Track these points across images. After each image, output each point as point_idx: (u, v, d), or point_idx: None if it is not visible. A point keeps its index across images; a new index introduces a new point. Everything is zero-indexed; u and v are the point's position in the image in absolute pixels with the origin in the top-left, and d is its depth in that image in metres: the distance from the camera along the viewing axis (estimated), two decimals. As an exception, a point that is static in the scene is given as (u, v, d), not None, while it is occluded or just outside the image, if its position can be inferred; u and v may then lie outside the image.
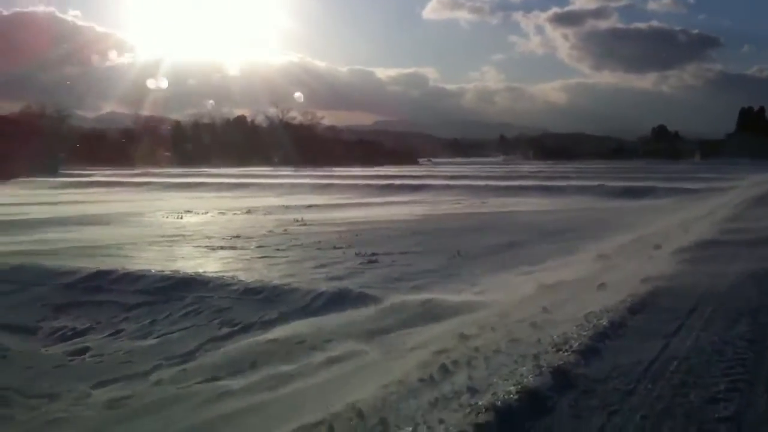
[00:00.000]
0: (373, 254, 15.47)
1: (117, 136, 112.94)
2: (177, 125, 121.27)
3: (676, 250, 11.54)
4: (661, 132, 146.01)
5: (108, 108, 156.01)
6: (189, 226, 22.56)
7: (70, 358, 8.93)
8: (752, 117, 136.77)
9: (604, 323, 6.60)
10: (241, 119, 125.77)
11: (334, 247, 16.91)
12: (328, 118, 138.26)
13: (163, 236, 19.37)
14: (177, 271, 12.76)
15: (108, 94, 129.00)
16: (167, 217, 25.75)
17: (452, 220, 24.13)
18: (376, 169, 78.39)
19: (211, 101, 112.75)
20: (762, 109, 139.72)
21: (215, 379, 7.62)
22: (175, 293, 11.37)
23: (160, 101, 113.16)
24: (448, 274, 13.07)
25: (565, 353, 5.70)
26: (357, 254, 15.63)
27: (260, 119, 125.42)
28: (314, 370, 7.53)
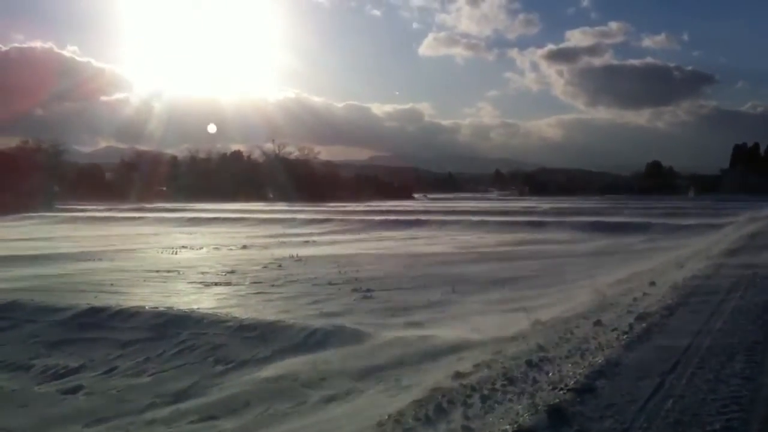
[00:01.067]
0: (369, 290, 15.47)
1: (113, 171, 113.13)
2: (173, 160, 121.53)
3: (670, 286, 11.55)
4: (655, 168, 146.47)
5: (104, 143, 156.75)
6: (184, 261, 22.52)
7: (62, 396, 8.82)
8: (746, 153, 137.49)
9: (600, 360, 6.59)
10: (237, 154, 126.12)
11: (330, 283, 16.89)
12: (324, 154, 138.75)
13: (157, 272, 19.32)
14: (171, 308, 12.70)
15: (105, 128, 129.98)
16: (162, 253, 25.71)
17: (447, 255, 24.10)
18: (371, 204, 78.47)
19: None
20: (756, 146, 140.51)
21: (209, 418, 7.55)
22: (169, 330, 11.29)
23: (157, 136, 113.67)
24: (443, 310, 13.05)
25: (561, 391, 5.68)
26: (353, 290, 15.62)
27: (257, 154, 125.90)
28: (309, 408, 7.48)
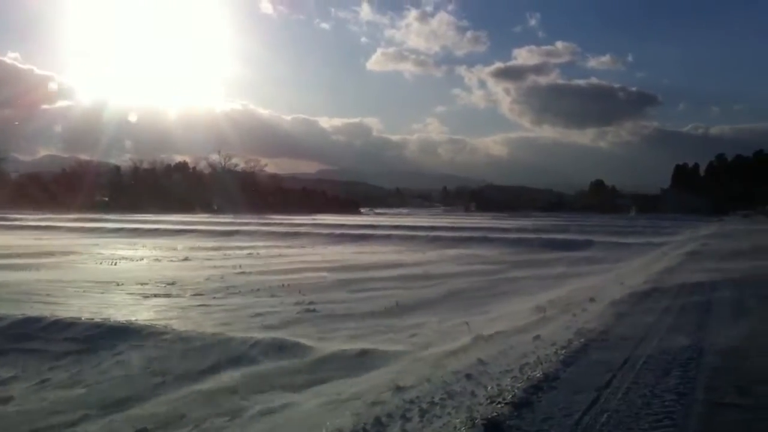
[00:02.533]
0: (311, 303, 15.37)
1: (53, 180, 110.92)
2: (116, 170, 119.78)
3: (609, 302, 11.72)
4: (598, 186, 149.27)
5: (46, 152, 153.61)
6: (123, 272, 22.10)
7: (-8, 408, 8.56)
8: (687, 173, 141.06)
9: (538, 375, 6.64)
10: (182, 165, 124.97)
11: (272, 296, 16.76)
12: (271, 166, 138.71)
13: (96, 283, 18.91)
14: (108, 319, 12.43)
15: (46, 137, 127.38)
16: (101, 264, 25.20)
17: (391, 269, 24.10)
18: (318, 217, 78.33)
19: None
20: (696, 166, 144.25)
21: (143, 431, 7.39)
22: (105, 342, 11.07)
23: (100, 146, 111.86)
24: (385, 324, 13.02)
25: (499, 405, 5.70)
26: (295, 303, 15.51)
27: (202, 166, 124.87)
28: (246, 422, 7.37)
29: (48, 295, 16.33)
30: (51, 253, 29.38)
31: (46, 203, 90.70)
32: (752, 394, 5.96)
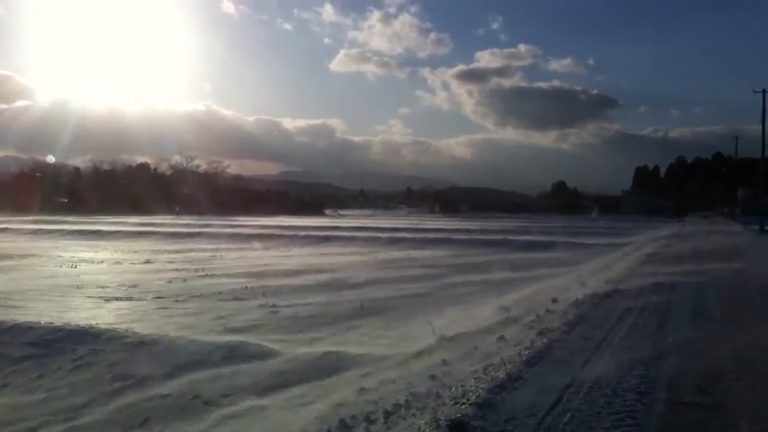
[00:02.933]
0: (275, 306, 15.30)
1: (11, 181, 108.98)
2: (76, 172, 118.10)
3: (571, 303, 11.82)
4: (560, 188, 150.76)
5: (3, 152, 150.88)
6: (84, 275, 21.81)
7: (-53, 414, 8.39)
8: (648, 175, 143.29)
9: (502, 375, 6.67)
10: (143, 166, 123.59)
11: (236, 298, 16.65)
12: (234, 168, 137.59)
13: (55, 286, 18.65)
14: (68, 323, 12.26)
15: (4, 137, 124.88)
16: (61, 267, 24.84)
17: (356, 271, 24.07)
18: (281, 219, 77.97)
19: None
20: (656, 168, 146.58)
21: (104, 436, 7.30)
22: (65, 346, 10.90)
23: (59, 146, 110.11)
24: (349, 326, 13.00)
25: (463, 406, 5.71)
26: (259, 305, 15.44)
27: (164, 167, 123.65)
28: (209, 426, 7.30)
29: (6, 299, 16.09)
30: (9, 256, 28.85)
31: (4, 205, 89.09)
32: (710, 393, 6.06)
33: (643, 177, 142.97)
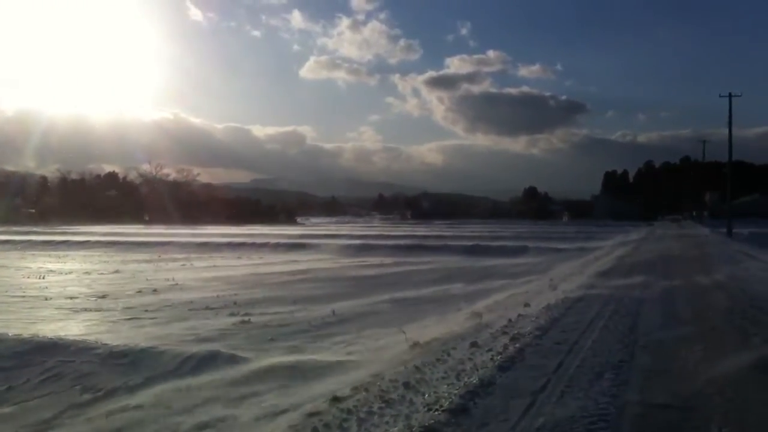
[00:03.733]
0: (246, 314, 15.21)
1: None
2: (42, 181, 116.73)
3: (543, 307, 11.94)
4: (531, 193, 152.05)
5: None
6: (51, 286, 21.53)
7: None
8: (616, 179, 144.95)
9: (474, 381, 6.71)
10: (112, 175, 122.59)
11: (207, 308, 16.54)
12: (204, 176, 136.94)
13: (22, 297, 18.41)
14: (36, 335, 12.09)
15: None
16: (28, 278, 24.53)
17: (326, 279, 24.03)
18: (252, 227, 77.67)
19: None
20: (625, 173, 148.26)
21: (74, 449, 7.20)
22: (34, 358, 10.73)
23: (25, 155, 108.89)
24: (322, 334, 12.97)
25: (436, 412, 5.74)
26: (230, 314, 15.36)
27: (133, 176, 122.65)
28: (182, 437, 7.23)
29: (-29, 311, 15.83)
30: (-26, 268, 28.44)
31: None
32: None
33: (613, 181, 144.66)
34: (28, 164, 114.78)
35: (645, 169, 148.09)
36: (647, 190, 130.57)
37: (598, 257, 28.41)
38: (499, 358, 7.83)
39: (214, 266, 30.74)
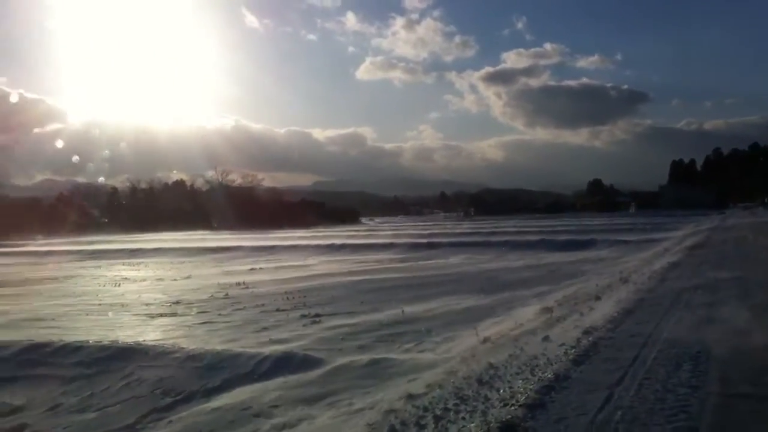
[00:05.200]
0: (317, 315, 15.37)
1: (51, 204, 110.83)
2: (113, 191, 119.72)
3: (615, 300, 11.78)
4: (596, 185, 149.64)
5: (41, 176, 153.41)
6: (127, 293, 22.10)
7: (5, 436, 8.57)
8: (683, 169, 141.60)
9: (549, 375, 6.68)
10: (179, 183, 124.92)
11: (278, 310, 16.75)
12: (267, 180, 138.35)
13: (100, 305, 18.92)
14: (116, 341, 12.41)
15: (40, 161, 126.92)
16: (104, 286, 25.19)
17: (397, 278, 24.08)
18: (317, 229, 78.31)
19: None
20: (692, 162, 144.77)
21: (158, 452, 7.39)
22: (114, 364, 11.03)
23: (95, 167, 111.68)
24: (393, 332, 13.01)
25: (513, 407, 5.73)
26: (301, 316, 15.52)
27: (199, 183, 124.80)
28: (261, 438, 7.36)
29: (53, 319, 16.33)
30: (54, 278, 29.34)
31: (46, 227, 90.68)
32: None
33: (680, 171, 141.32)
34: (98, 175, 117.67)
35: (713, 157, 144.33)
36: (716, 179, 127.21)
37: (668, 248, 27.83)
38: (573, 351, 7.76)
39: (283, 268, 31.09)
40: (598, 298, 13.07)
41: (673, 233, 40.73)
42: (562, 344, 8.23)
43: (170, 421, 8.38)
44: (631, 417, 5.37)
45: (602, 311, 10.91)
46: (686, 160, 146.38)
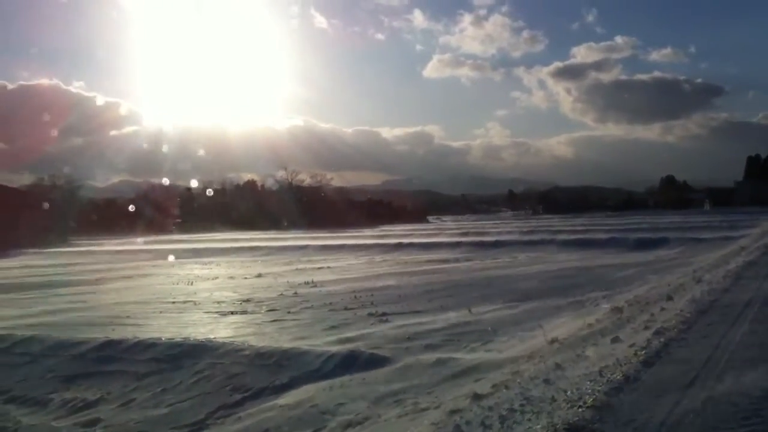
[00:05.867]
0: (384, 314, 15.43)
1: (127, 205, 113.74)
2: (187, 192, 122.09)
3: (688, 300, 11.51)
4: (669, 182, 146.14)
5: (118, 177, 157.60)
6: (199, 292, 22.53)
7: (81, 429, 8.81)
8: (760, 165, 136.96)
9: (618, 377, 6.57)
10: (251, 184, 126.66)
11: (346, 308, 16.87)
12: (336, 180, 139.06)
13: (173, 303, 19.35)
14: (187, 338, 12.68)
15: (117, 162, 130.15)
16: (177, 284, 25.73)
17: (462, 277, 24.01)
18: (385, 228, 78.48)
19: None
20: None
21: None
22: (186, 360, 11.27)
23: (169, 168, 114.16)
24: (460, 332, 12.98)
25: (580, 409, 5.65)
26: (369, 314, 15.60)
27: (270, 183, 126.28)
28: (328, 435, 7.43)
29: (128, 317, 16.78)
30: (129, 276, 30.11)
31: (121, 227, 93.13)
32: None
33: (757, 166, 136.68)
34: (172, 176, 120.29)
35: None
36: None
37: (744, 246, 27.02)
38: (643, 353, 7.60)
39: (351, 267, 31.29)
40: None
41: (750, 230, 39.53)
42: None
43: (239, 418, 8.53)
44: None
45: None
46: (763, 156, 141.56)
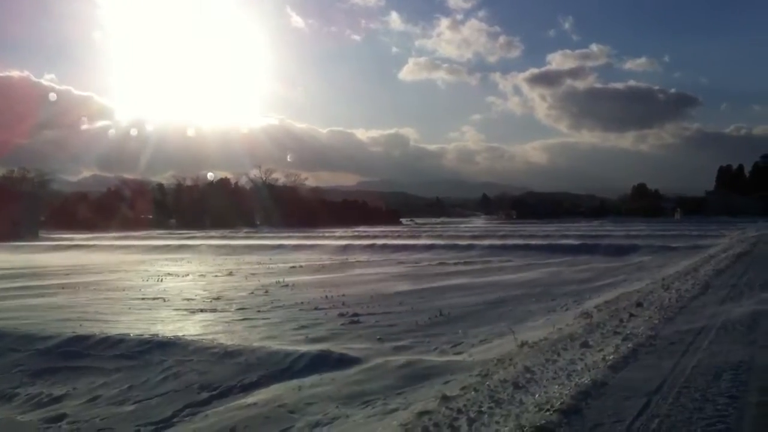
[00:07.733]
0: (356, 315, 15.41)
1: (99, 200, 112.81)
2: (159, 188, 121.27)
3: (657, 307, 11.63)
4: (641, 190, 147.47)
5: (89, 171, 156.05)
6: (169, 288, 22.38)
7: (46, 425, 8.69)
8: (731, 175, 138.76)
9: (586, 381, 6.61)
10: (224, 181, 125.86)
11: (316, 308, 16.84)
12: (311, 180, 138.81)
13: (142, 299, 19.19)
14: (156, 335, 12.58)
15: (88, 157, 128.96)
16: (147, 281, 25.54)
17: (435, 279, 24.05)
18: (359, 229, 78.47)
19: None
20: (740, 168, 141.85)
21: (193, 445, 7.46)
22: (153, 357, 11.17)
23: (141, 164, 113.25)
24: (430, 334, 13.00)
25: (547, 413, 5.68)
26: (339, 315, 15.57)
27: (243, 181, 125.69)
28: (295, 435, 7.40)
29: (96, 312, 16.60)
30: (98, 272, 29.85)
31: (92, 222, 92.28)
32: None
33: (727, 177, 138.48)
34: (144, 172, 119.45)
35: (762, 163, 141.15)
36: (765, 186, 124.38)
37: (713, 255, 27.37)
38: (611, 358, 7.67)
39: (323, 267, 31.25)
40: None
41: (719, 240, 40.02)
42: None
43: (206, 416, 8.46)
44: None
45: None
46: (734, 166, 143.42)
